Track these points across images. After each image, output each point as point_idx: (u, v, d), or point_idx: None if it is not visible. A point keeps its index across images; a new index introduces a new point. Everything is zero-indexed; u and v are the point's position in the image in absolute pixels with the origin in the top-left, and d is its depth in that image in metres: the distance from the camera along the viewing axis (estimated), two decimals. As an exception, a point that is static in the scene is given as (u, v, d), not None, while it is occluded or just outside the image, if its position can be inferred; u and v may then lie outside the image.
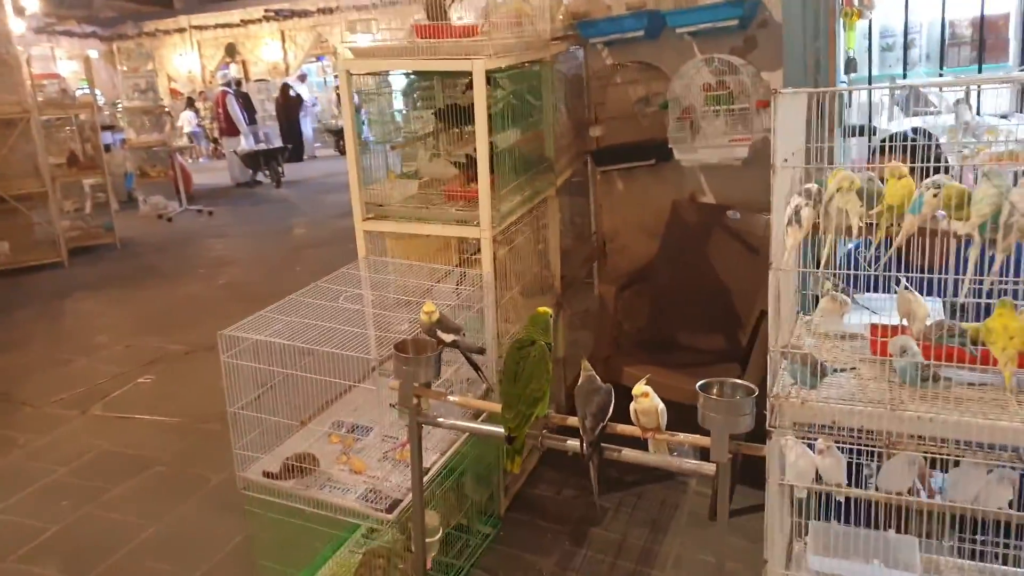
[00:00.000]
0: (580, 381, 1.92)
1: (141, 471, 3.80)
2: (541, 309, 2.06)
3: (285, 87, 14.86)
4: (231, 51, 21.04)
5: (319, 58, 21.67)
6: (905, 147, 2.14)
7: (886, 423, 1.33)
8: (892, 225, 1.51)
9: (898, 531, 1.81)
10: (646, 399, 1.81)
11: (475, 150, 3.22)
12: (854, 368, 1.51)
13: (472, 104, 3.52)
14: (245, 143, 13.15)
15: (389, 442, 2.72)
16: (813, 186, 1.61)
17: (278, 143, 14.26)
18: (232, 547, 3.16)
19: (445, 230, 3.00)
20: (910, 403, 1.35)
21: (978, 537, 1.80)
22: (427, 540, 2.40)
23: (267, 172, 13.09)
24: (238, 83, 14.58)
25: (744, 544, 3.03)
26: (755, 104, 3.57)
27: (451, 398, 2.10)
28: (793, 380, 1.45)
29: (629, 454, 1.87)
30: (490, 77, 3.40)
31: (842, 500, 1.81)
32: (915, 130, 2.49)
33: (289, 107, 15.39)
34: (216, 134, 19.25)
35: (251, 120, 13.72)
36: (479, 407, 2.02)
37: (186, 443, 4.06)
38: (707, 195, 3.99)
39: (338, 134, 17.67)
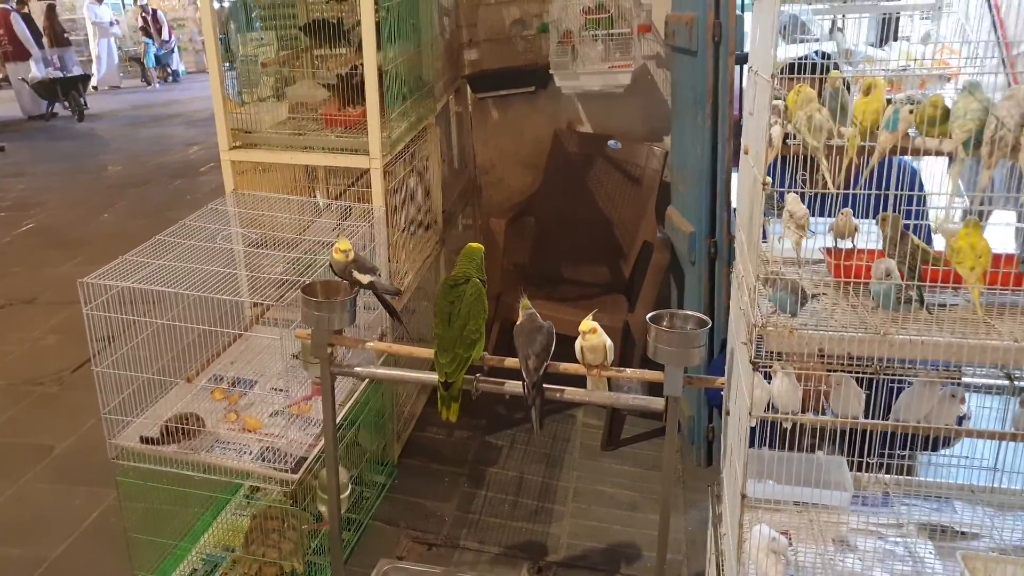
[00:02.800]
0: (520, 320, 1.78)
1: (-36, 445, 3.28)
2: (473, 245, 1.88)
3: (51, 8, 13.09)
4: (6, -37, 18.45)
5: (116, -24, 19.51)
6: (813, 68, 2.12)
7: (876, 349, 1.30)
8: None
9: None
10: (594, 335, 1.71)
11: (351, 71, 2.94)
12: (824, 294, 1.48)
13: (340, 20, 3.23)
14: (36, 69, 11.60)
15: (277, 395, 2.46)
16: (780, 103, 1.53)
17: (78, 71, 12.72)
18: (91, 523, 2.80)
19: (327, 159, 2.72)
20: (895, 328, 1.32)
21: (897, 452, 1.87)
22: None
23: (67, 104, 11.66)
24: (19, 2, 12.76)
25: (638, 471, 3.08)
26: (637, 29, 3.50)
27: (369, 345, 1.89)
28: (774, 308, 1.39)
29: (573, 393, 1.76)
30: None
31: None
32: (819, 53, 2.50)
33: (57, 34, 13.49)
34: (-8, 58, 17.00)
35: (39, 44, 12.09)
36: (407, 353, 1.84)
37: (17, 409, 3.54)
38: (585, 124, 3.91)
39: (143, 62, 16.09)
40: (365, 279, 1.89)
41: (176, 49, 16.55)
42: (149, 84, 15.69)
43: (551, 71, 3.57)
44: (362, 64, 3.08)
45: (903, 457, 1.84)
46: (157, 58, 15.96)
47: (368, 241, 2.62)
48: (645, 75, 3.75)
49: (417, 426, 3.29)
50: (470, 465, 3.11)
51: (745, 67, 3.21)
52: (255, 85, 3.23)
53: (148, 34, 15.86)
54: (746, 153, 1.60)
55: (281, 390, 2.49)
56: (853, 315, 1.39)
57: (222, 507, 2.72)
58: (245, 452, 2.20)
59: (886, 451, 1.81)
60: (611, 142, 3.68)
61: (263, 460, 2.17)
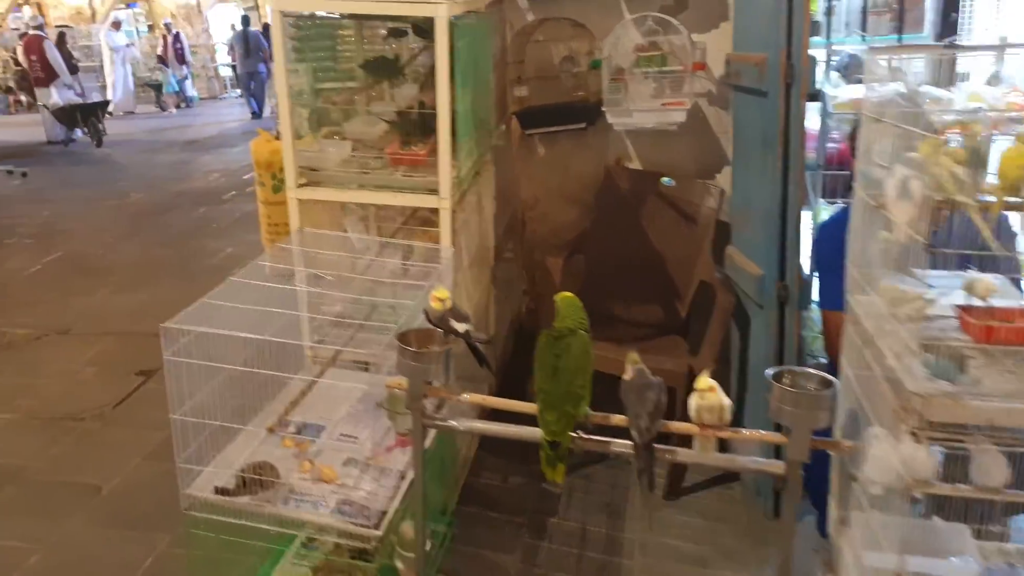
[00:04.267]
0: (628, 375, 1.71)
1: (6, 483, 3.19)
2: (567, 295, 1.82)
3: (61, 35, 13.12)
4: (25, -9, 18.61)
5: (130, 4, 19.70)
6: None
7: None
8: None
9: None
10: (712, 394, 1.63)
11: (414, 108, 2.91)
12: (973, 358, 1.41)
13: (398, 56, 3.20)
14: (58, 96, 11.63)
15: (348, 442, 2.39)
16: (914, 154, 1.47)
17: (96, 97, 12.77)
18: (145, 571, 2.71)
19: (396, 199, 2.66)
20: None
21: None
22: (410, 554, 2.12)
23: (86, 129, 11.69)
24: (40, 27, 12.82)
25: (704, 523, 2.99)
26: (691, 67, 3.46)
27: (466, 397, 1.82)
28: (929, 374, 1.32)
29: (686, 455, 1.69)
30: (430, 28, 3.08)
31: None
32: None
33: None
34: (11, 84, 17.07)
35: (72, 71, 12.16)
36: (506, 407, 1.77)
37: (57, 446, 3.46)
38: (634, 161, 3.86)
39: (158, 88, 16.17)
40: (461, 328, 1.83)
41: (190, 76, 16.65)
42: (164, 110, 15.76)
43: (603, 108, 3.53)
44: (422, 101, 3.05)
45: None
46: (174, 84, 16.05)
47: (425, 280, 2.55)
48: (696, 112, 3.70)
49: (471, 471, 3.21)
50: (529, 514, 3.02)
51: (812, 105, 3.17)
52: (322, 123, 3.21)
53: (164, 61, 15.94)
54: (878, 208, 1.54)
55: (351, 436, 2.41)
56: (1016, 382, 1.32)
57: (278, 558, 2.63)
58: (321, 505, 2.12)
59: (1008, 518, 1.74)
60: (665, 179, 3.64)
61: (341, 513, 2.09)
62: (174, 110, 15.81)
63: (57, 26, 14.56)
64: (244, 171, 9.13)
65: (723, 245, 3.46)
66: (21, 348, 4.50)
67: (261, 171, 5.08)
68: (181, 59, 16.02)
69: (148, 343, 4.40)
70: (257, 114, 14.25)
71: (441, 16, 2.38)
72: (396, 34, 3.22)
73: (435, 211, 2.66)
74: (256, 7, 17.80)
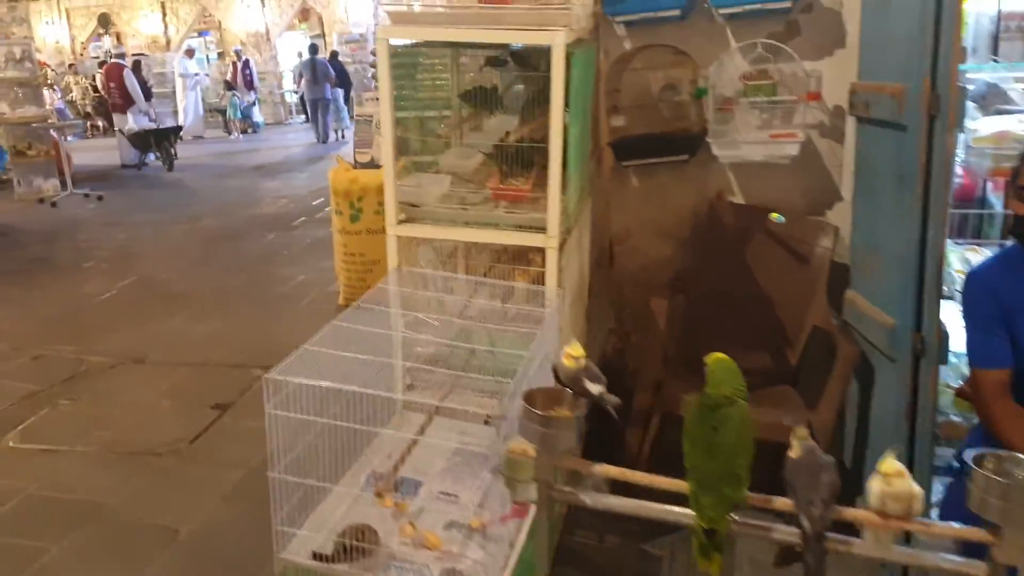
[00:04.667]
0: (797, 454, 1.49)
1: (85, 521, 3.06)
2: (721, 356, 1.60)
3: (137, 63, 13.39)
4: (104, 22, 19.30)
5: (202, 33, 20.26)
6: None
7: None
8: None
9: None
10: (901, 480, 1.40)
11: (506, 139, 2.75)
12: None
13: (496, 86, 3.05)
14: (133, 122, 11.89)
15: (448, 502, 2.20)
16: None
17: (170, 122, 13.04)
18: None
19: (499, 237, 2.49)
20: None
21: None
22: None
23: (159, 154, 11.91)
24: (120, 55, 13.17)
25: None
26: (805, 96, 3.23)
27: (598, 469, 1.62)
28: None
29: (864, 547, 1.45)
30: (529, 56, 2.93)
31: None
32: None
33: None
34: (88, 110, 17.62)
35: (147, 97, 12.46)
36: (648, 483, 1.56)
37: (134, 483, 3.34)
38: (736, 195, 3.63)
39: (225, 113, 16.47)
40: (596, 390, 1.63)
41: (257, 102, 16.95)
42: (231, 134, 16.05)
43: (709, 139, 3.32)
44: (521, 132, 2.89)
45: None
46: (241, 110, 16.34)
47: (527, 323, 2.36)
48: (806, 144, 3.46)
49: (565, 527, 2.99)
50: (630, 578, 2.79)
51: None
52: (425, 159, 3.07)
53: (231, 87, 16.26)
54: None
55: (450, 495, 2.23)
56: None
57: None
58: (425, 574, 1.93)
59: None
60: (775, 215, 3.40)
61: (447, 586, 1.90)
62: (240, 135, 16.07)
63: (134, 55, 14.96)
64: (312, 197, 9.14)
65: (839, 288, 3.20)
66: (97, 377, 4.43)
67: (339, 200, 5.01)
68: (249, 85, 16.33)
69: (223, 374, 4.33)
70: (323, 140, 14.39)
71: (559, 44, 2.21)
72: (494, 63, 3.07)
73: (537, 249, 2.49)
74: (323, 35, 18.10)
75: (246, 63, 16.56)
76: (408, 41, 2.88)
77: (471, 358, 2.50)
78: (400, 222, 2.51)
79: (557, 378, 1.67)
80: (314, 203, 8.79)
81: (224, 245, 7.21)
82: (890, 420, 2.82)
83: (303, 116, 17.08)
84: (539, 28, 2.24)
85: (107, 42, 18.84)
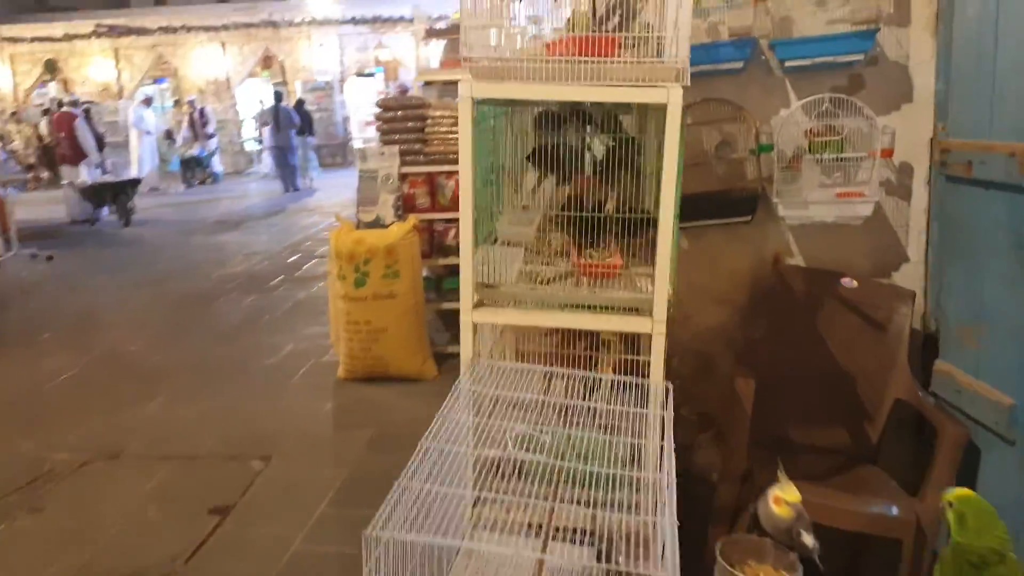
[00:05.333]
0: None
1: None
2: (964, 492, 1.29)
3: (86, 111, 12.81)
4: (51, 68, 18.63)
5: (157, 80, 19.71)
6: None
7: None
8: None
9: None
10: None
11: (579, 204, 2.44)
12: None
13: (558, 144, 2.74)
14: (87, 174, 11.31)
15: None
16: None
17: (127, 174, 12.47)
18: None
19: (596, 322, 2.14)
20: None
21: None
22: None
23: (114, 208, 11.32)
24: (73, 103, 12.59)
25: None
26: (879, 153, 3.00)
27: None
28: None
29: None
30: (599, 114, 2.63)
31: None
32: None
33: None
34: (32, 160, 16.87)
35: (100, 147, 11.89)
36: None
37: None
38: (796, 257, 3.37)
39: (185, 164, 15.93)
40: (813, 544, 1.29)
41: (218, 151, 16.46)
42: (190, 186, 15.53)
43: (775, 199, 3.06)
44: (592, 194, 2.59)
45: None
46: (199, 160, 15.83)
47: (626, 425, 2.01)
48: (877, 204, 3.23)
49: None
50: None
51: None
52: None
53: (170, 136, 15.66)
54: None
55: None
56: None
57: None
58: None
59: None
60: (844, 280, 3.13)
61: None
62: (199, 186, 15.54)
63: (83, 102, 14.37)
64: (288, 253, 8.70)
65: (919, 359, 2.95)
66: (65, 479, 3.80)
67: (342, 263, 4.61)
68: (206, 135, 15.85)
69: (218, 469, 3.81)
70: (289, 189, 13.97)
71: (675, 102, 1.92)
72: (550, 122, 2.76)
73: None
74: (285, 83, 17.76)
75: (201, 112, 16.08)
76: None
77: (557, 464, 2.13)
78: (476, 306, 2.15)
79: (756, 523, 1.32)
80: (290, 260, 8.34)
81: (197, 310, 6.70)
82: (1011, 505, 2.54)
83: (260, 166, 16.65)
84: (650, 84, 1.94)
85: (53, 89, 18.17)
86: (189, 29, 17.78)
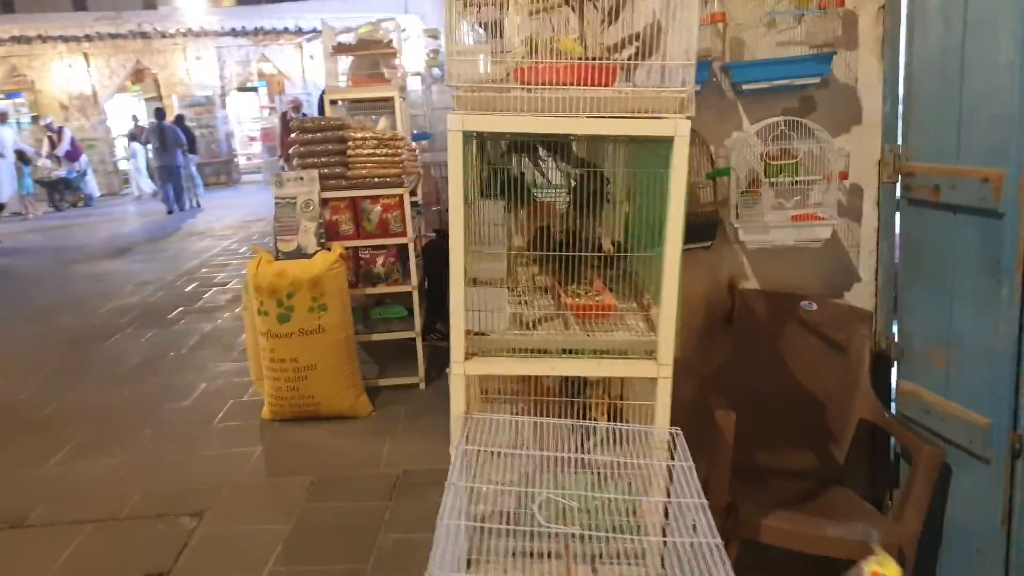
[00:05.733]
0: None
1: None
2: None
3: None
4: None
5: (10, 95, 18.28)
6: None
7: None
8: None
9: None
10: None
11: (548, 236, 2.31)
12: None
13: (523, 174, 2.62)
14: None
15: None
16: None
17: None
18: None
19: (596, 368, 2.01)
20: None
21: None
22: None
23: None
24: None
25: None
26: (837, 175, 3.02)
27: None
28: None
29: None
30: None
31: None
32: None
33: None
34: None
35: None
36: None
37: None
38: (750, 280, 3.35)
39: (53, 187, 14.82)
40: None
41: (89, 172, 15.38)
42: (60, 210, 14.43)
43: (736, 223, 3.03)
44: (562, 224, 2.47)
45: None
46: (67, 181, 14.76)
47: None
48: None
49: None
50: None
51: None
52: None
53: (23, 157, 14.47)
54: None
55: None
56: None
57: None
58: None
59: None
60: (804, 303, 3.14)
61: None
62: (71, 209, 14.47)
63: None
64: (185, 281, 8.15)
65: (877, 377, 3.00)
66: None
67: (263, 298, 4.29)
68: (72, 156, 14.77)
69: (144, 530, 3.43)
70: (175, 211, 13.19)
71: (683, 135, 1.82)
72: (518, 149, 2.62)
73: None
74: (159, 98, 16.82)
75: (59, 131, 14.96)
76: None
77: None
78: (468, 357, 1.97)
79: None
80: (188, 289, 7.81)
81: (90, 350, 6.12)
82: (979, 526, 2.58)
83: (145, 185, 15.68)
84: (654, 115, 1.83)
85: None
86: (45, 39, 16.53)
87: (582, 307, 2.09)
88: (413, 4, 17.02)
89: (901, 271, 2.88)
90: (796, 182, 3.07)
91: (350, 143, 4.44)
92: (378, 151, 4.46)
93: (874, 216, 3.22)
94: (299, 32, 17.03)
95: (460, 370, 1.95)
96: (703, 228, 3.14)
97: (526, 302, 2.29)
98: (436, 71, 9.98)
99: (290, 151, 4.56)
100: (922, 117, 2.68)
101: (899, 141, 3.10)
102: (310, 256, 4.34)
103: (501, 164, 2.36)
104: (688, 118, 1.85)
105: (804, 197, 3.09)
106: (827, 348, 3.10)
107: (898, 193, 2.83)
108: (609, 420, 2.27)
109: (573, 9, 2.05)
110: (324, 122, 4.46)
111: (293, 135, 4.46)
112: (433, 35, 10.74)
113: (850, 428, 3.00)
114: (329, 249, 4.38)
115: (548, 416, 2.11)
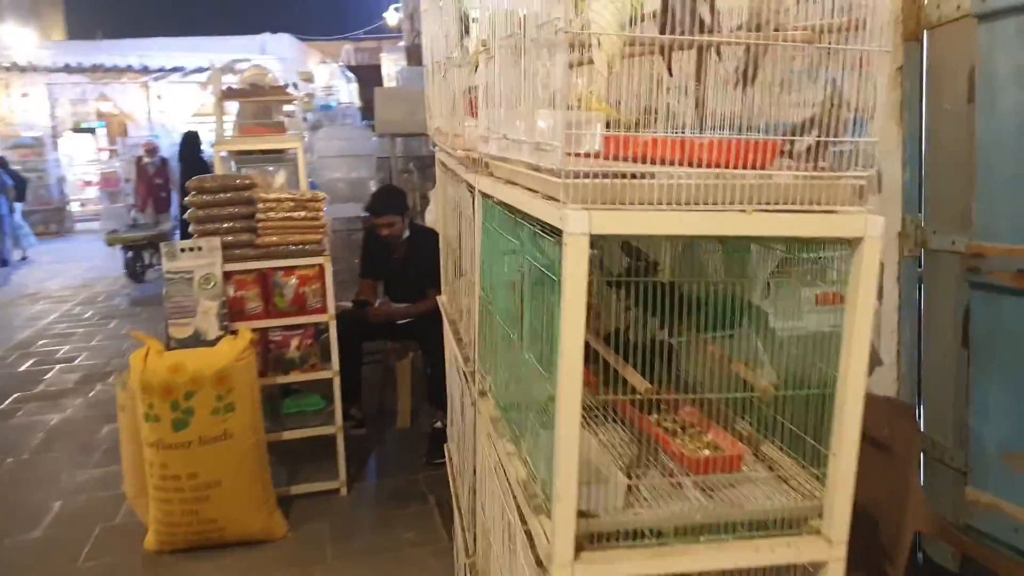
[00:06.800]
0: None
1: None
2: None
3: None
4: None
5: None
6: None
7: None
8: None
9: None
10: None
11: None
12: None
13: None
14: None
15: None
16: None
17: None
18: None
19: (758, 557, 1.42)
20: None
21: None
22: None
23: None
24: None
25: None
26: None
27: None
28: None
29: None
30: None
31: None
32: None
33: None
34: None
35: None
36: None
37: None
38: (765, 367, 2.92)
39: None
40: None
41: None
42: None
43: (767, 309, 2.58)
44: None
45: None
46: None
47: None
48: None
49: None
50: None
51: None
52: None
53: None
54: None
55: None
56: None
57: None
58: None
59: None
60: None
61: None
62: None
63: None
64: (18, 358, 6.82)
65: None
66: None
67: (153, 400, 3.38)
68: None
69: None
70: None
71: (873, 236, 1.31)
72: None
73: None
74: (-26, 138, 14.84)
75: None
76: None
77: None
78: (577, 553, 1.33)
79: None
80: (23, 368, 6.53)
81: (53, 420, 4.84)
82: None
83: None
84: (827, 208, 1.31)
85: None
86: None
87: (702, 461, 1.51)
88: (271, 45, 16.09)
89: (974, 365, 2.51)
90: (820, 259, 2.68)
91: (260, 205, 3.67)
92: (294, 214, 3.72)
93: (895, 293, 2.92)
94: (145, 71, 15.62)
95: (564, 573, 1.30)
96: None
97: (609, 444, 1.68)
98: (310, 116, 9.24)
99: (186, 215, 3.73)
100: (990, 194, 2.33)
101: (920, 212, 2.84)
102: (212, 343, 3.51)
103: (626, 278, 1.75)
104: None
105: (826, 277, 2.71)
106: (869, 449, 2.69)
107: (965, 277, 2.46)
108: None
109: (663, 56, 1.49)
110: (229, 181, 3.68)
111: (189, 196, 3.64)
112: (307, 79, 9.99)
113: (905, 543, 2.58)
114: (235, 333, 3.57)
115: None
